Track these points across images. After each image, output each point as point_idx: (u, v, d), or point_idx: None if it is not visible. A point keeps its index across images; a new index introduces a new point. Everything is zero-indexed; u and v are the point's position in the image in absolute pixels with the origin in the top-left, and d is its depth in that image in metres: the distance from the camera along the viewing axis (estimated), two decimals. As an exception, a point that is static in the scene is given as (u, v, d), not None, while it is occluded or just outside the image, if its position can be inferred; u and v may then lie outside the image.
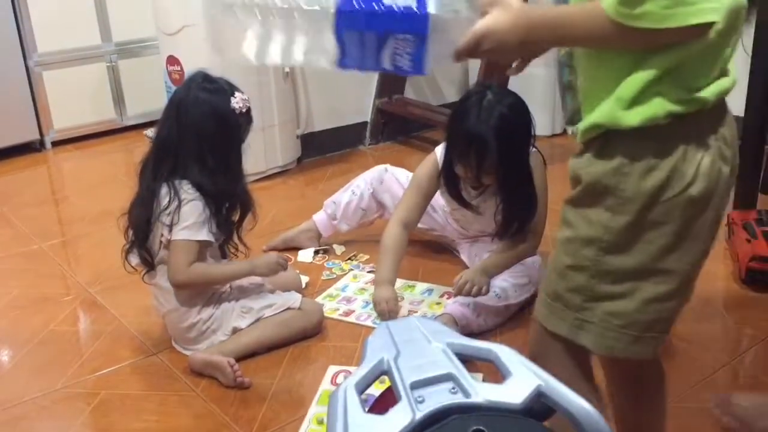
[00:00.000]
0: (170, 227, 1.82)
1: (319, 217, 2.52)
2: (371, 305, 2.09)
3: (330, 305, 2.18)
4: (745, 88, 2.39)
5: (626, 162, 1.01)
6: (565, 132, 3.69)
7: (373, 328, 2.03)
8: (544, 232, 2.19)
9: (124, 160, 3.68)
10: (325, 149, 3.53)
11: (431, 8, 1.03)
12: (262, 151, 3.17)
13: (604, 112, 1.01)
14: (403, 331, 0.81)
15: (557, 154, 3.47)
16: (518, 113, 2.00)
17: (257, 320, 1.94)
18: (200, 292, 1.90)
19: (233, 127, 1.87)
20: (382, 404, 0.99)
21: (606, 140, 1.03)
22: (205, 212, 1.84)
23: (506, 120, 1.95)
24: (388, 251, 2.12)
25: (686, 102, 0.98)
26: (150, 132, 3.87)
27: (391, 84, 3.66)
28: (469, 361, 0.76)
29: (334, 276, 2.36)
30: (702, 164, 1.00)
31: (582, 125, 1.06)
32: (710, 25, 0.92)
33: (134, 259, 1.89)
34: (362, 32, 1.05)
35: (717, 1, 0.92)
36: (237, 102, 1.85)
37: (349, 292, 2.26)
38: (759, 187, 2.59)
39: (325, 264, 2.44)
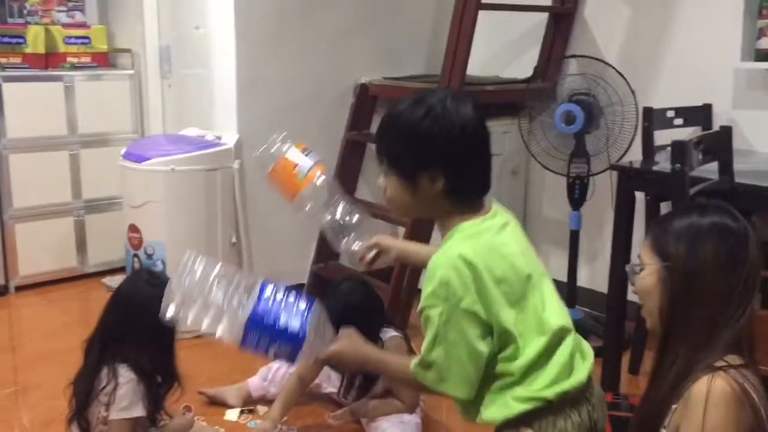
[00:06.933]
0: (107, 406, 2.16)
1: (252, 380, 2.91)
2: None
3: (247, 465, 2.51)
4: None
5: None
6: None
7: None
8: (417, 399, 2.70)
9: (80, 308, 4.04)
10: (265, 308, 3.88)
11: (307, 341, 1.66)
12: (206, 310, 3.55)
13: None
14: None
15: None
16: (363, 300, 2.67)
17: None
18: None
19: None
20: None
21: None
22: (140, 390, 2.19)
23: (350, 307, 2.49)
24: (282, 395, 2.72)
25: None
26: (107, 280, 4.26)
27: (327, 251, 4.09)
28: None
29: (255, 436, 2.71)
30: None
31: None
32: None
33: (75, 429, 2.21)
34: (261, 335, 1.65)
35: (466, 384, 1.55)
36: None
37: (265, 452, 2.60)
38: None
39: (247, 424, 2.78)
